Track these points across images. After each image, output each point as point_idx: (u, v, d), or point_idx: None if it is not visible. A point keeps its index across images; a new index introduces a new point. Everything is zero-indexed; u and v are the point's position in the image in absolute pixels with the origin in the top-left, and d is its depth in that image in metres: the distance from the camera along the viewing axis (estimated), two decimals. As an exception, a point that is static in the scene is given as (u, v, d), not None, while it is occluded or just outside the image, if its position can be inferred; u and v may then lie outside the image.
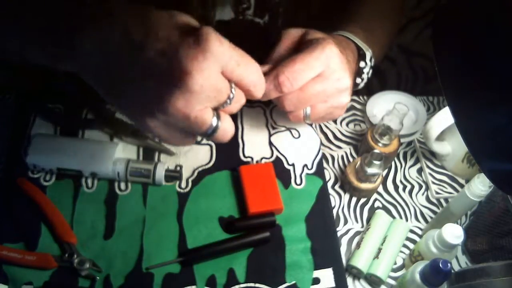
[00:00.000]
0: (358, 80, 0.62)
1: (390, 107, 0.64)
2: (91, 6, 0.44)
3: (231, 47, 0.42)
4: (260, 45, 0.70)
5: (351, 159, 0.71)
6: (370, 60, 0.62)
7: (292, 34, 0.57)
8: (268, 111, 0.72)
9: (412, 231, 0.65)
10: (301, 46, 0.55)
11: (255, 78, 0.45)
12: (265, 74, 0.52)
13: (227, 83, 0.43)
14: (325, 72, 0.53)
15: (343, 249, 0.62)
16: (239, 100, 0.45)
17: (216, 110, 0.44)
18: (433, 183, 0.70)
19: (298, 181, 0.65)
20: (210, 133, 0.43)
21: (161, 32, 0.41)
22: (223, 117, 0.44)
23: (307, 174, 0.66)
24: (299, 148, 0.68)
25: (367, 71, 0.62)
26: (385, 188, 0.69)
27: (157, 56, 0.40)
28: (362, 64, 0.61)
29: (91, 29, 0.43)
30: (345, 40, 0.61)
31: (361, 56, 0.61)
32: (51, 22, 0.45)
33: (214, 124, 0.43)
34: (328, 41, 0.54)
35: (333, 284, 0.57)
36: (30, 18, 0.47)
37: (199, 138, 0.68)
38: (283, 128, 0.70)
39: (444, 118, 0.63)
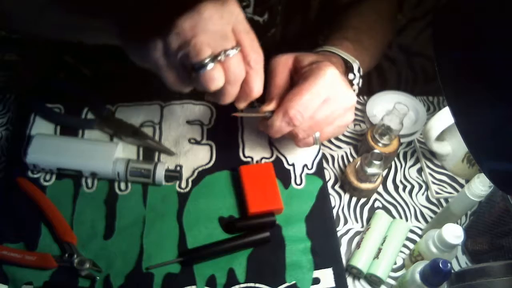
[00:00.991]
0: None
1: (390, 107, 0.64)
2: None
3: (248, 26, 0.47)
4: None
5: (351, 159, 0.71)
6: (359, 71, 0.63)
7: (283, 62, 0.58)
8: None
9: (412, 231, 0.65)
10: (299, 74, 0.56)
11: (256, 56, 0.48)
12: (273, 111, 0.55)
13: (233, 38, 0.46)
14: (331, 96, 0.54)
15: (343, 249, 0.62)
16: (236, 64, 0.47)
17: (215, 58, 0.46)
18: (433, 183, 0.70)
19: (298, 181, 0.65)
20: (198, 68, 0.45)
21: None
22: (216, 65, 0.46)
23: (307, 174, 0.66)
24: (299, 148, 0.68)
25: (357, 82, 0.64)
26: (385, 188, 0.69)
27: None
28: (351, 76, 0.62)
29: None
30: (332, 55, 0.62)
31: (349, 68, 0.63)
32: None
33: (206, 61, 0.45)
34: (326, 64, 0.55)
35: (333, 284, 0.57)
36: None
37: (199, 138, 0.68)
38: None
39: (444, 118, 0.63)
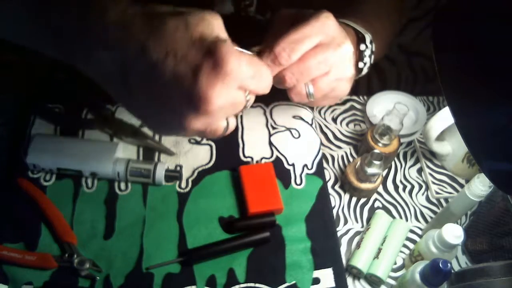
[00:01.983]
0: (361, 64, 0.59)
1: (390, 107, 0.64)
2: (105, 18, 0.43)
3: (248, 62, 0.42)
4: (261, 42, 0.70)
5: (351, 159, 0.71)
6: (371, 43, 0.59)
7: (284, 14, 0.54)
8: (268, 111, 0.72)
9: (412, 231, 0.65)
10: (295, 21, 0.52)
11: (267, 83, 0.46)
12: (260, 52, 0.51)
13: (243, 95, 0.44)
14: (324, 40, 0.51)
15: (343, 249, 0.62)
16: (250, 105, 0.46)
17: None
18: (433, 183, 0.70)
19: (298, 181, 0.65)
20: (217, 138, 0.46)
21: (179, 51, 0.40)
22: (230, 121, 0.46)
23: (307, 174, 0.66)
24: (299, 148, 0.68)
25: (368, 54, 0.59)
26: (385, 188, 0.69)
27: (176, 79, 0.40)
28: (362, 46, 0.58)
29: (106, 47, 0.42)
30: (342, 24, 0.58)
31: (361, 39, 0.58)
32: (66, 33, 0.45)
33: (224, 128, 0.45)
34: (323, 11, 0.51)
35: (333, 284, 0.57)
36: (46, 18, 0.46)
37: (199, 138, 0.68)
38: (283, 128, 0.70)
39: (444, 118, 0.63)
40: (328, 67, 0.52)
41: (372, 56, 0.60)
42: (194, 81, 0.40)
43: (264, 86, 0.46)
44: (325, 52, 0.51)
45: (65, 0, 0.45)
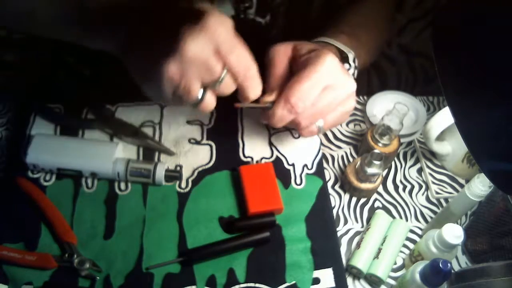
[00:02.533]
0: None
1: (390, 107, 0.64)
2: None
3: (231, 33, 0.47)
4: (260, 44, 0.70)
5: (351, 159, 0.71)
6: (354, 61, 0.63)
7: (282, 51, 0.58)
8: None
9: (412, 231, 0.65)
10: (297, 62, 0.57)
11: (245, 71, 0.49)
12: (274, 102, 0.55)
13: (219, 65, 0.47)
14: (331, 83, 0.55)
15: (343, 249, 0.62)
16: (227, 87, 0.50)
17: (205, 87, 0.49)
18: (433, 183, 0.70)
19: (298, 181, 0.65)
20: (193, 104, 0.49)
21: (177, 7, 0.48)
22: (208, 95, 0.49)
23: (307, 174, 0.66)
24: (299, 148, 0.68)
25: (352, 72, 0.63)
26: (385, 188, 0.69)
27: (161, 29, 0.47)
28: (346, 66, 0.62)
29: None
30: (327, 46, 0.62)
31: (344, 59, 0.63)
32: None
33: (199, 96, 0.49)
34: (325, 52, 0.55)
35: (333, 284, 0.57)
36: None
37: (199, 138, 0.68)
38: (283, 128, 0.70)
39: (444, 118, 0.63)
40: (336, 104, 0.57)
41: (356, 72, 0.65)
42: (176, 27, 0.46)
43: (244, 71, 0.49)
44: (332, 94, 0.56)
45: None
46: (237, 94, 0.53)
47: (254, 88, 0.51)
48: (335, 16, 0.70)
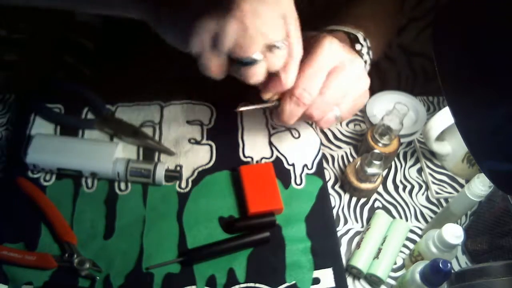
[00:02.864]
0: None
1: (390, 107, 0.64)
2: None
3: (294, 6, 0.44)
4: None
5: (351, 159, 0.71)
6: (365, 40, 0.60)
7: None
8: (268, 111, 0.72)
9: (412, 231, 0.65)
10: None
11: (299, 49, 0.46)
12: (280, 99, 0.53)
13: (283, 29, 0.44)
14: (335, 66, 0.52)
15: (343, 249, 0.62)
16: (280, 58, 0.45)
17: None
18: (433, 183, 0.70)
19: (298, 181, 0.65)
20: (246, 63, 0.44)
21: None
22: (262, 61, 0.44)
23: (307, 174, 0.66)
24: (299, 148, 0.68)
25: (366, 51, 0.60)
26: (385, 188, 0.69)
27: None
28: (358, 46, 0.59)
29: None
30: (331, 32, 0.60)
31: (353, 40, 0.60)
32: None
33: (257, 57, 0.44)
34: (322, 36, 0.53)
35: (333, 284, 0.57)
36: None
37: (199, 138, 0.68)
38: (283, 128, 0.70)
39: (444, 118, 0.63)
40: (347, 87, 0.53)
41: (370, 52, 0.61)
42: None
43: (297, 48, 0.46)
44: (339, 77, 0.52)
45: None
46: (261, 92, 0.51)
47: (295, 72, 0.48)
48: (342, 9, 0.69)
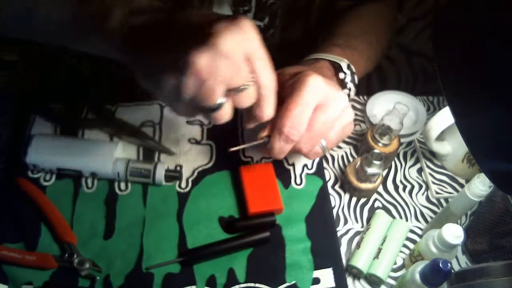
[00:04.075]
0: (346, 91, 0.62)
1: (390, 107, 0.64)
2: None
3: (261, 41, 0.45)
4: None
5: (351, 159, 0.71)
6: (348, 68, 0.62)
7: None
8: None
9: (412, 231, 0.65)
10: (284, 89, 0.55)
11: (269, 83, 0.47)
12: (269, 135, 0.55)
13: (247, 69, 0.45)
14: (320, 102, 0.53)
15: (343, 249, 0.62)
16: (249, 96, 0.47)
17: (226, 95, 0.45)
18: (433, 183, 0.70)
19: (298, 181, 0.65)
20: (210, 110, 0.45)
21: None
22: (227, 103, 0.46)
23: (307, 174, 0.66)
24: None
25: (350, 79, 0.62)
26: (385, 188, 0.69)
27: (195, 26, 0.44)
28: (341, 75, 0.61)
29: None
30: (317, 61, 0.62)
31: (337, 68, 0.62)
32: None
33: (219, 102, 0.45)
34: (307, 73, 0.54)
35: (333, 284, 0.57)
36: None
37: (199, 138, 0.68)
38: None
39: (444, 118, 0.63)
40: (332, 121, 0.55)
41: (355, 78, 0.63)
42: (213, 21, 0.43)
43: (267, 82, 0.47)
44: (325, 112, 0.54)
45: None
46: (246, 114, 0.52)
47: (271, 106, 0.49)
48: (332, 25, 0.70)
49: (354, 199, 0.67)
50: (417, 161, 0.73)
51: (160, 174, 0.61)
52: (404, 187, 0.69)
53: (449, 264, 0.48)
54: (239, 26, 0.43)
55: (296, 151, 0.56)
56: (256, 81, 0.46)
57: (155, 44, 0.45)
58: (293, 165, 0.67)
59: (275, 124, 0.53)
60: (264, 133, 0.56)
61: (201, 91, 0.43)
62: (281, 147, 0.54)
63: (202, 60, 0.41)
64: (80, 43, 0.52)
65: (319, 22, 0.74)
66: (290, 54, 0.72)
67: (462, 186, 0.70)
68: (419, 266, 0.53)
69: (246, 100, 0.47)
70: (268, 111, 0.50)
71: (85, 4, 0.49)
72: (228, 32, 0.42)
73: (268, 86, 0.48)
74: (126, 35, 0.46)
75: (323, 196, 0.64)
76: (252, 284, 0.56)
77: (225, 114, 0.46)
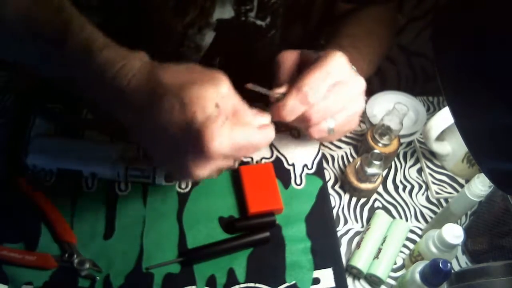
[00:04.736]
0: None
1: (390, 107, 0.64)
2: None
3: (233, 137, 0.45)
4: (260, 47, 0.70)
5: (351, 159, 0.71)
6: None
7: (290, 55, 0.57)
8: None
9: (412, 231, 0.65)
10: (307, 64, 0.55)
11: (256, 142, 0.48)
12: (285, 94, 0.54)
13: (230, 161, 0.48)
14: (341, 79, 0.54)
15: (343, 249, 0.62)
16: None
17: None
18: (433, 183, 0.70)
19: (298, 181, 0.65)
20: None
21: (171, 129, 0.44)
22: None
23: (307, 174, 0.66)
24: (299, 148, 0.68)
25: None
26: (385, 188, 0.69)
27: (170, 151, 0.47)
28: None
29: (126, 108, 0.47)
30: None
31: None
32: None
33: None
34: (333, 51, 0.54)
35: (333, 284, 0.57)
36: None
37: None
38: (283, 128, 0.70)
39: (444, 118, 0.63)
40: (347, 101, 0.55)
41: None
42: (183, 156, 0.45)
43: (253, 145, 0.48)
44: (343, 90, 0.54)
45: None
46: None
47: (265, 140, 0.50)
48: (335, 26, 0.70)
49: (354, 199, 0.67)
50: (417, 161, 0.73)
51: (160, 174, 0.61)
52: (404, 187, 0.69)
53: (449, 264, 0.48)
54: (204, 152, 0.44)
55: (304, 119, 0.54)
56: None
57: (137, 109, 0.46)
58: (293, 165, 0.67)
59: (294, 83, 0.53)
60: (280, 90, 0.54)
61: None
62: (293, 106, 0.52)
63: (201, 172, 0.46)
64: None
65: (320, 23, 0.74)
66: None
67: (462, 186, 0.70)
68: (419, 266, 0.53)
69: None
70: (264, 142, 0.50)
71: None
72: (198, 168, 0.45)
73: (253, 147, 0.48)
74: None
75: (323, 196, 0.64)
76: (252, 284, 0.56)
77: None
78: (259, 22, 0.66)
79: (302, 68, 0.56)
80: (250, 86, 0.53)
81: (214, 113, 0.44)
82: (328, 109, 0.54)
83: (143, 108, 0.45)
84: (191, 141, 0.44)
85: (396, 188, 0.69)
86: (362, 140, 0.71)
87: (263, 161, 0.66)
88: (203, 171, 0.46)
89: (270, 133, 0.49)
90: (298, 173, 0.66)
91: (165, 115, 0.44)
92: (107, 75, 0.45)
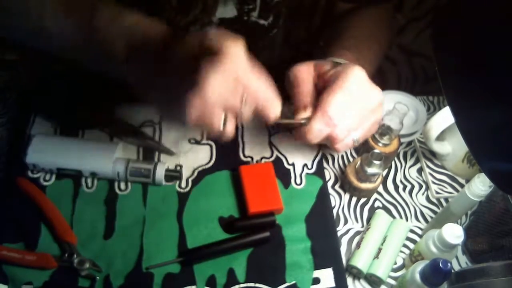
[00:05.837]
0: None
1: (390, 107, 0.64)
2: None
3: (247, 62, 0.45)
4: (262, 46, 0.70)
5: (351, 159, 0.71)
6: None
7: (306, 70, 0.58)
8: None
9: (412, 231, 0.65)
10: (324, 78, 0.56)
11: (266, 95, 0.48)
12: (309, 118, 0.55)
13: (239, 95, 0.46)
14: (361, 93, 0.55)
15: (343, 249, 0.62)
16: (247, 114, 0.48)
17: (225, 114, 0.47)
18: (433, 183, 0.70)
19: (298, 181, 0.65)
20: (215, 137, 0.47)
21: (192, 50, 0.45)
22: (229, 125, 0.47)
23: (307, 174, 0.66)
24: (299, 148, 0.68)
25: None
26: (385, 188, 0.69)
27: (185, 65, 0.46)
28: None
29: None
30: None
31: None
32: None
33: (221, 129, 0.46)
34: (350, 64, 0.55)
35: (333, 284, 0.57)
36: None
37: (199, 138, 0.68)
38: (283, 128, 0.70)
39: (444, 118, 0.63)
40: (368, 114, 0.57)
41: None
42: (197, 67, 0.44)
43: (261, 93, 0.47)
44: (365, 104, 0.56)
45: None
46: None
47: (273, 109, 0.50)
48: (336, 27, 0.70)
49: (354, 199, 0.67)
50: (417, 161, 0.73)
51: (160, 174, 0.61)
52: (404, 187, 0.69)
53: (449, 264, 0.48)
54: (221, 60, 0.44)
55: (329, 139, 0.56)
56: (250, 99, 0.47)
57: (152, 78, 0.48)
58: (293, 165, 0.67)
59: (318, 106, 0.54)
60: (304, 115, 0.55)
61: (202, 123, 0.46)
62: (320, 130, 0.54)
63: (195, 102, 0.44)
64: (94, 63, 0.54)
65: (322, 23, 0.74)
66: (293, 54, 0.72)
67: (462, 186, 0.70)
68: (419, 266, 0.53)
69: (245, 116, 0.48)
70: (272, 114, 0.50)
71: (91, 33, 0.50)
72: (212, 70, 0.44)
73: (263, 98, 0.48)
74: (128, 64, 0.49)
75: (323, 196, 0.64)
76: (252, 284, 0.56)
77: (229, 134, 0.48)
78: (261, 21, 0.66)
79: (320, 83, 0.57)
80: (277, 120, 0.53)
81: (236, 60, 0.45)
82: (352, 126, 0.56)
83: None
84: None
85: (396, 188, 0.69)
86: (362, 140, 0.71)
87: (263, 160, 0.66)
88: (197, 111, 0.45)
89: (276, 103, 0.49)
90: (298, 172, 0.66)
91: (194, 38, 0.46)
92: None
